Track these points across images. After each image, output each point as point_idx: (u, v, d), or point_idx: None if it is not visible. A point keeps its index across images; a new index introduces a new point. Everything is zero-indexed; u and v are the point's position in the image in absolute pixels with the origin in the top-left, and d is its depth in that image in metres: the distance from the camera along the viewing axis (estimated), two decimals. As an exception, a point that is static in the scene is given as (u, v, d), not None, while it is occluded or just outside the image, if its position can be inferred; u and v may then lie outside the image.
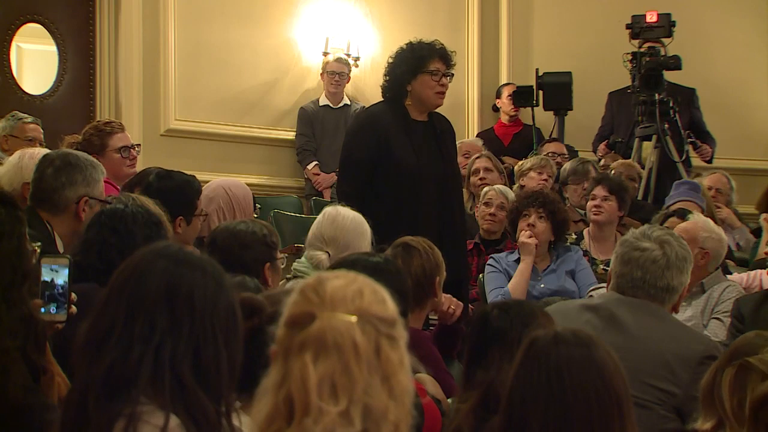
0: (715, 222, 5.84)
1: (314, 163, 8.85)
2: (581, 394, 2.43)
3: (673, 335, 3.78)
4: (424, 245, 4.47)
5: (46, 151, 5.09)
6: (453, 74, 5.68)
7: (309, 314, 2.07)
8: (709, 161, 8.73)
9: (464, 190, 7.35)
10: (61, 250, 4.17)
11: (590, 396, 2.43)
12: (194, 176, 4.96)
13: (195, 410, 2.45)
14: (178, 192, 4.72)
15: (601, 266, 6.25)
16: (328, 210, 4.93)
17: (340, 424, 2.00)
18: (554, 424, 2.41)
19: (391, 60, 5.66)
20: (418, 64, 5.55)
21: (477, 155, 7.53)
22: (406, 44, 5.67)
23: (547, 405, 2.43)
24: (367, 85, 9.48)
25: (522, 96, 8.97)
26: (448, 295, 4.71)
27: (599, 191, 6.55)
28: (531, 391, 2.46)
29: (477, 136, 9.25)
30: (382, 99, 5.73)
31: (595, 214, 6.55)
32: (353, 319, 2.06)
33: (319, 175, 8.78)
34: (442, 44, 5.67)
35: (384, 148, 5.46)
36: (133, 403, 2.37)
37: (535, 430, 2.42)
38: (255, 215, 5.10)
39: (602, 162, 8.33)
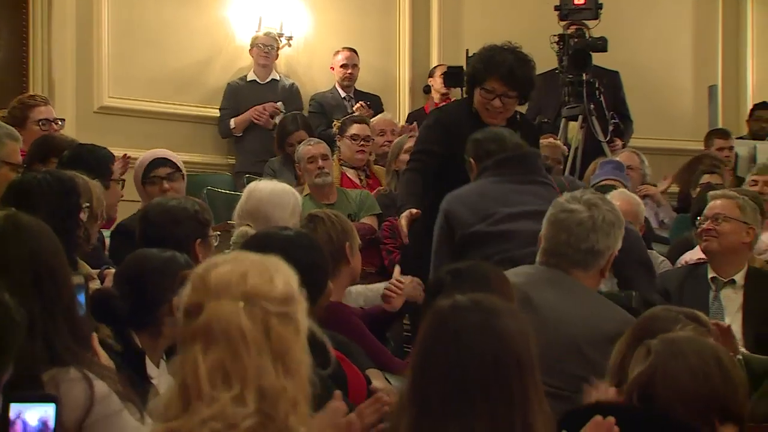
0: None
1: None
2: (479, 359, 2.41)
3: (585, 316, 3.74)
4: (329, 213, 4.49)
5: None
6: (516, 97, 5.37)
7: (198, 305, 2.10)
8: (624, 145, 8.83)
9: (388, 168, 7.41)
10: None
11: (487, 359, 2.41)
12: (105, 147, 5.10)
13: (93, 369, 2.53)
14: (90, 158, 4.82)
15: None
16: (248, 185, 5.02)
17: (232, 406, 2.03)
18: (453, 388, 2.39)
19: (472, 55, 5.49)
20: (477, 76, 5.41)
21: (410, 134, 7.59)
22: (486, 47, 5.51)
23: (446, 370, 2.41)
24: (299, 63, 9.54)
25: (452, 77, 9.05)
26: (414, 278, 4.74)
27: None
28: (431, 358, 2.45)
29: (408, 115, 9.38)
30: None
31: None
32: (240, 305, 2.08)
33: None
34: (520, 59, 5.40)
35: (453, 145, 5.30)
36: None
37: (436, 395, 2.41)
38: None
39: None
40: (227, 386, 2.05)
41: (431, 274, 4.88)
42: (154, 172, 5.33)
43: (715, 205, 5.39)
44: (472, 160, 5.06)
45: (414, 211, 5.20)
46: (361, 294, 5.08)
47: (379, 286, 5.18)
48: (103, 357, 2.87)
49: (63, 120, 6.29)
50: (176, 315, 2.19)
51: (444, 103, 9.24)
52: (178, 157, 5.67)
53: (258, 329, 2.08)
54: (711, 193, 5.66)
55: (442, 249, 4.88)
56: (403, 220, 5.25)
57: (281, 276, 2.17)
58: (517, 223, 4.71)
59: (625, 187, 6.73)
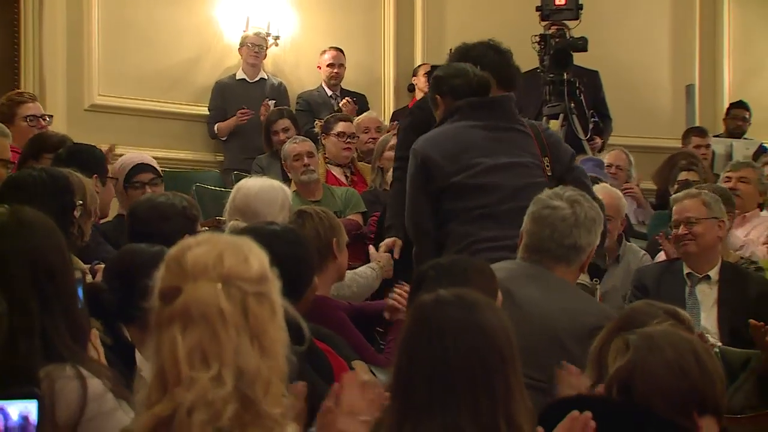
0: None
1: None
2: (462, 353, 2.41)
3: (566, 310, 3.78)
4: (318, 210, 4.52)
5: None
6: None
7: (175, 288, 2.12)
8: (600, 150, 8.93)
9: (373, 165, 7.46)
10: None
11: (471, 354, 2.41)
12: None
13: (90, 366, 2.52)
14: (87, 155, 4.87)
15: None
16: (237, 182, 5.10)
17: (212, 387, 2.05)
18: (437, 382, 2.39)
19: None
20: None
21: (394, 132, 7.64)
22: (467, 45, 5.29)
23: (429, 365, 2.41)
24: (286, 63, 9.62)
25: (436, 75, 9.13)
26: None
27: None
28: (416, 353, 2.44)
29: (393, 113, 9.47)
30: None
31: None
32: (218, 286, 2.11)
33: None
34: (501, 55, 5.22)
35: None
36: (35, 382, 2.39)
37: (419, 389, 2.40)
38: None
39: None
40: (205, 366, 2.07)
41: (407, 219, 4.89)
42: (137, 177, 5.35)
43: (682, 207, 5.41)
44: (437, 96, 4.98)
45: (399, 242, 5.20)
46: (354, 281, 5.10)
47: (363, 269, 5.24)
48: (101, 353, 2.87)
49: (51, 116, 6.31)
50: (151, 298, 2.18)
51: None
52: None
53: (236, 310, 2.11)
54: (674, 196, 5.70)
55: (419, 196, 4.79)
56: (382, 248, 5.30)
57: (255, 256, 2.20)
58: (497, 177, 4.69)
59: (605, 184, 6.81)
